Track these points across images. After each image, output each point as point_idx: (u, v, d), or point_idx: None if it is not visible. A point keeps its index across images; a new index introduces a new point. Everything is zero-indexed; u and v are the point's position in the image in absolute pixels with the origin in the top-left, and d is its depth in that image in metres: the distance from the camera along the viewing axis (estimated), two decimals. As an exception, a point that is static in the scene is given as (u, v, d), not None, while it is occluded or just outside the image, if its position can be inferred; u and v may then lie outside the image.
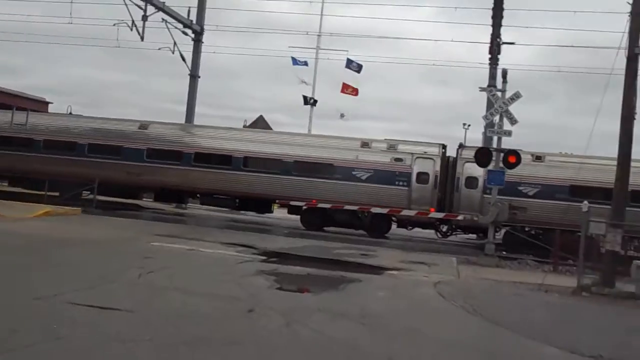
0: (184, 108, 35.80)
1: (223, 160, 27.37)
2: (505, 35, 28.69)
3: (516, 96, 19.96)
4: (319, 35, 41.23)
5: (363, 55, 60.45)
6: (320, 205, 26.18)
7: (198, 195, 29.53)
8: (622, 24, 14.97)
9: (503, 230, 24.91)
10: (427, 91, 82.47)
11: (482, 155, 20.35)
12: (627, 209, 16.33)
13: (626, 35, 14.79)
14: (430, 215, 25.46)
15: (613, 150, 16.22)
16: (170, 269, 13.17)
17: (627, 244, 18.84)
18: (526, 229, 24.79)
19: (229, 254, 16.43)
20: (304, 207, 26.85)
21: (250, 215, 31.84)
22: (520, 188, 24.53)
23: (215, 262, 15.12)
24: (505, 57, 28.68)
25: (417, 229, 28.00)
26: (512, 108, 20.08)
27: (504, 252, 22.88)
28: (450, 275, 16.20)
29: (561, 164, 25.03)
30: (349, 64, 39.76)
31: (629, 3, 14.67)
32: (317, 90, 41.58)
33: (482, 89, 21.39)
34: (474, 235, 27.83)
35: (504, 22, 28.37)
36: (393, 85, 77.72)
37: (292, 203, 26.92)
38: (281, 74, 75.03)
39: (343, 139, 27.95)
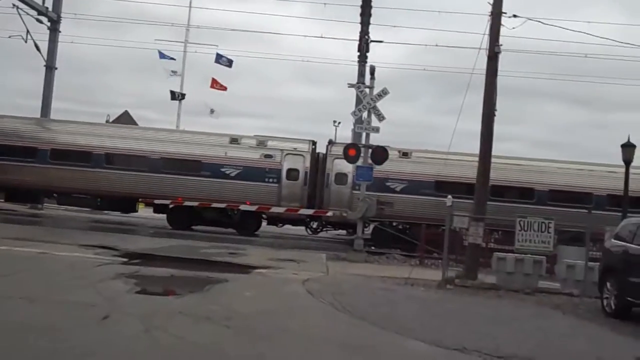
0: (39, 103, 33.40)
1: (82, 157, 25.81)
2: (374, 34, 29.09)
3: (384, 92, 20.20)
4: (187, 29, 40.14)
5: (234, 50, 59.73)
6: (187, 203, 25.30)
7: (55, 194, 27.66)
8: (483, 25, 15.46)
9: (372, 226, 25.24)
10: (298, 88, 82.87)
11: (351, 152, 20.44)
12: (488, 202, 16.94)
13: (487, 36, 15.29)
14: (300, 212, 25.31)
15: (475, 148, 16.79)
16: (17, 275, 12.06)
17: (488, 236, 19.62)
18: (394, 224, 25.25)
19: (87, 257, 15.35)
20: (171, 206, 25.88)
21: (114, 215, 30.28)
22: (388, 184, 24.94)
23: (71, 266, 13.96)
24: (374, 56, 29.13)
25: (287, 226, 27.80)
26: (380, 105, 20.33)
27: (373, 247, 23.19)
28: (319, 272, 16.03)
29: (427, 160, 25.70)
30: (219, 58, 39.04)
31: (489, 3, 15.18)
32: (186, 86, 40.45)
33: (351, 85, 21.49)
34: (344, 232, 28.09)
35: (372, 20, 28.79)
36: (265, 82, 77.39)
37: (157, 201, 25.85)
38: (149, 68, 72.32)
39: (211, 134, 27.26)
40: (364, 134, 21.25)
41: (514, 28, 15.00)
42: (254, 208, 25.25)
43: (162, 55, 39.49)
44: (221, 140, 26.42)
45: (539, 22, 15.79)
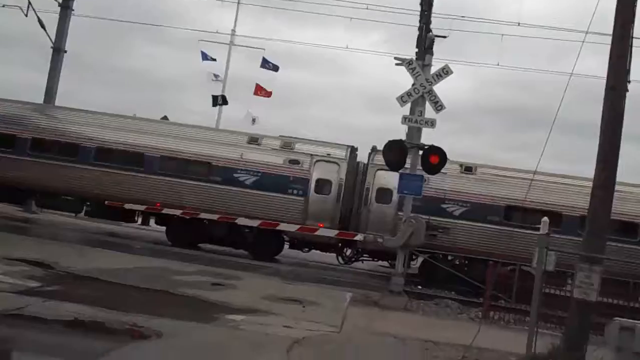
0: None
1: (68, 150, 20.95)
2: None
3: (444, 72, 14.49)
4: (232, 31, 35.71)
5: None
6: (166, 211, 20.05)
7: (36, 194, 22.82)
8: None
9: (420, 259, 19.43)
10: (364, 114, 75.75)
11: (394, 152, 14.62)
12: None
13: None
14: (318, 233, 19.58)
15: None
16: None
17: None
18: (449, 258, 19.43)
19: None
20: (175, 217, 20.64)
21: (126, 227, 25.18)
22: (444, 206, 19.22)
23: None
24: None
25: (317, 252, 22.16)
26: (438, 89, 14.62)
27: (419, 287, 17.43)
28: (328, 326, 10.26)
29: (496, 178, 19.75)
30: (265, 63, 34.78)
31: None
32: (229, 97, 35.77)
33: (399, 62, 15.60)
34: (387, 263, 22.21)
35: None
36: (329, 106, 70.89)
37: (127, 206, 20.45)
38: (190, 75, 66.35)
39: (226, 132, 22.00)
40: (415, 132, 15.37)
41: None
42: (255, 223, 19.71)
43: (205, 57, 35.49)
44: (237, 139, 21.13)
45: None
